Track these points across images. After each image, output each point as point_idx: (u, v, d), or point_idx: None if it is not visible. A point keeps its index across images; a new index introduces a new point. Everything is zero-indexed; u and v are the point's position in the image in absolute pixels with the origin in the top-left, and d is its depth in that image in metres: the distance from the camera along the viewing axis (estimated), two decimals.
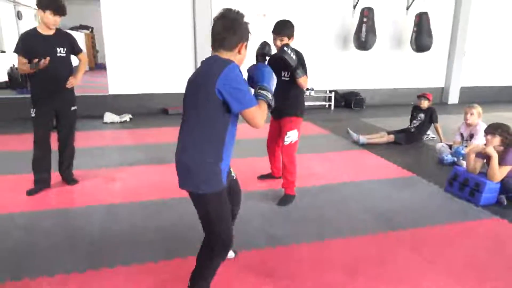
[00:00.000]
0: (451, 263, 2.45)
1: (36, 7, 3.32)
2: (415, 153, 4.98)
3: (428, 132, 5.62)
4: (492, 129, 3.38)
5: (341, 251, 2.58)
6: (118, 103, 7.16)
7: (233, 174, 2.12)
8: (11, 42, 8.64)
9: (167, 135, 5.16)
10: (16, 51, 3.36)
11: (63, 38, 3.51)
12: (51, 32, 3.41)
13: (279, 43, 3.17)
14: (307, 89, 8.13)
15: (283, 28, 3.19)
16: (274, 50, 3.34)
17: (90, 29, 16.87)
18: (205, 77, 1.69)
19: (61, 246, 2.60)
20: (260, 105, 1.76)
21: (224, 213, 1.84)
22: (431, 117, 5.33)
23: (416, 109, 5.52)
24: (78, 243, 2.64)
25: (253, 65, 1.95)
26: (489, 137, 3.38)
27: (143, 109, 7.38)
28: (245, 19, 1.79)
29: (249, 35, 1.82)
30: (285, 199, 3.33)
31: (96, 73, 13.26)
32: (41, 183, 3.53)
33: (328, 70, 8.38)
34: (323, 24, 8.09)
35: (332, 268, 2.37)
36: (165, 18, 7.26)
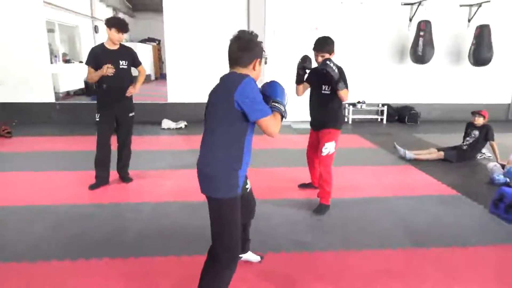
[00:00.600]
0: (480, 285, 2.40)
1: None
2: (465, 172, 4.79)
3: (484, 150, 5.36)
4: None
5: (364, 262, 2.64)
6: (175, 110, 7.68)
7: (248, 186, 2.23)
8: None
9: None
10: (86, 63, 3.85)
11: (126, 52, 3.95)
12: (115, 47, 3.87)
13: (320, 59, 3.31)
14: (358, 102, 8.11)
15: (324, 45, 3.34)
16: (314, 65, 3.50)
17: (157, 42, 18.12)
18: (224, 90, 1.85)
19: (112, 234, 2.94)
20: (274, 115, 1.88)
21: (234, 221, 1.90)
22: (486, 134, 5.09)
23: (470, 126, 5.30)
24: (126, 233, 2.96)
25: (266, 82, 2.02)
26: None
27: (198, 117, 7.74)
28: (259, 39, 1.95)
29: (263, 53, 1.97)
30: (319, 209, 3.43)
31: (160, 83, 14.19)
32: (101, 179, 3.98)
33: (382, 83, 8.27)
34: (377, 37, 8.03)
35: (349, 277, 2.44)
36: (220, 32, 7.65)
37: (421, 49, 7.50)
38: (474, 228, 3.21)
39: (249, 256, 2.58)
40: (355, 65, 8.06)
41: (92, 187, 3.92)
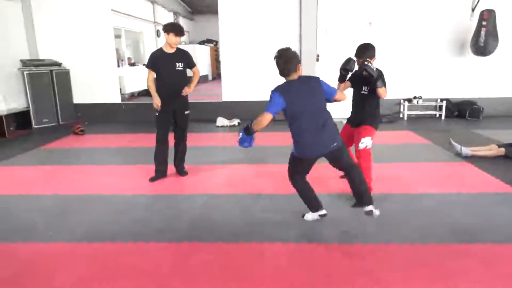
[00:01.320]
0: None
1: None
2: None
3: None
4: None
5: (402, 255, 2.66)
6: (230, 108, 8.01)
7: None
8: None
9: (269, 139, 5.64)
10: (147, 66, 4.24)
11: (181, 55, 4.27)
12: (172, 51, 4.20)
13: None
14: (414, 98, 7.86)
15: (364, 51, 3.62)
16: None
17: (214, 43, 18.78)
18: (314, 86, 2.85)
19: (168, 221, 3.25)
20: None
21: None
22: None
23: None
24: (180, 221, 3.26)
25: None
26: None
27: (251, 115, 7.99)
28: (293, 50, 2.88)
29: (299, 58, 2.94)
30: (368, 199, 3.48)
31: (217, 82, 14.73)
32: (160, 173, 4.35)
33: (441, 77, 7.92)
34: (436, 28, 7.71)
35: (384, 269, 2.49)
36: (273, 33, 7.84)
37: (483, 40, 7.08)
38: None
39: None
40: (411, 59, 7.83)
41: (152, 179, 4.30)
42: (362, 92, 3.65)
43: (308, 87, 2.82)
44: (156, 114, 4.26)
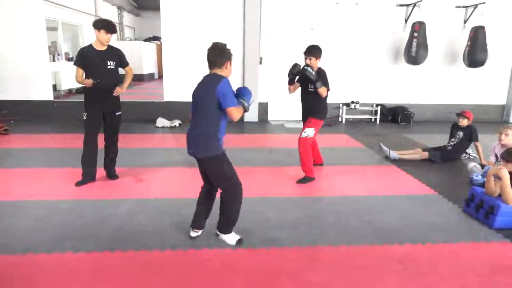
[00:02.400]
0: (438, 282, 2.49)
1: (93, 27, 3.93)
2: (447, 172, 4.86)
3: (469, 151, 5.43)
4: (508, 155, 3.31)
5: (326, 257, 2.74)
6: (171, 109, 7.81)
7: None
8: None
9: None
10: (75, 63, 4.00)
11: (113, 53, 4.08)
12: (103, 48, 4.00)
13: (308, 61, 4.13)
14: (352, 102, 8.17)
15: (311, 50, 4.17)
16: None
17: (161, 40, 18.28)
18: (209, 86, 2.66)
19: (90, 228, 3.08)
20: (237, 107, 2.68)
21: (231, 167, 2.80)
22: (470, 135, 5.15)
23: (455, 127, 5.37)
24: (103, 229, 3.09)
25: (239, 87, 2.92)
26: (503, 162, 3.31)
27: None
28: (228, 47, 2.78)
29: (231, 56, 2.80)
30: (302, 179, 4.25)
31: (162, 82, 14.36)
32: (88, 176, 4.12)
33: (376, 83, 8.33)
34: (372, 37, 8.09)
35: (308, 271, 2.55)
36: (216, 32, 7.76)
37: (414, 50, 7.54)
38: (444, 226, 3.29)
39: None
40: (350, 65, 8.14)
41: (79, 183, 4.06)
42: (309, 89, 4.18)
43: (204, 87, 2.72)
44: (85, 114, 4.04)
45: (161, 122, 7.34)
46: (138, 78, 14.77)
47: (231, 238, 2.87)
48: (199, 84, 2.79)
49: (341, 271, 2.57)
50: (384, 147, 5.38)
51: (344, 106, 8.19)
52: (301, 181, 4.26)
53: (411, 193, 4.05)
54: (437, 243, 2.98)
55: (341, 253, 2.80)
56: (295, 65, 4.14)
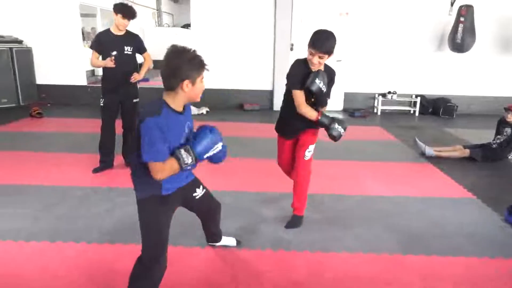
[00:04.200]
0: None
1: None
2: (489, 173, 4.36)
3: None
4: None
5: (341, 266, 2.48)
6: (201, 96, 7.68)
7: (195, 194, 2.15)
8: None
9: (237, 129, 5.35)
10: (91, 46, 3.93)
11: (131, 38, 3.97)
12: (121, 33, 3.89)
13: (316, 59, 2.67)
14: (389, 92, 7.68)
15: (326, 43, 2.66)
16: None
17: None
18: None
19: (96, 217, 3.00)
20: (169, 161, 1.75)
21: (153, 223, 1.92)
22: None
23: (502, 123, 4.82)
24: (109, 219, 3.01)
25: (200, 126, 1.90)
26: None
27: (221, 104, 7.81)
28: (188, 56, 1.74)
29: (198, 71, 1.78)
30: (294, 221, 2.97)
31: None
32: (104, 163, 4.07)
33: (416, 72, 7.74)
34: (413, 22, 7.48)
35: (314, 282, 2.31)
36: (247, 20, 7.52)
37: (460, 36, 6.89)
38: (479, 237, 2.91)
39: (224, 242, 2.62)
40: (387, 52, 7.62)
41: (95, 170, 4.02)
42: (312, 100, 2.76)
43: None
44: (102, 100, 3.98)
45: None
46: None
47: None
48: None
49: (350, 284, 2.31)
50: (420, 142, 4.95)
51: (380, 97, 7.70)
52: (291, 224, 2.95)
53: (446, 196, 3.66)
54: (470, 256, 2.63)
55: (355, 262, 2.53)
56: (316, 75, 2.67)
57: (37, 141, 5.22)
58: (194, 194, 2.15)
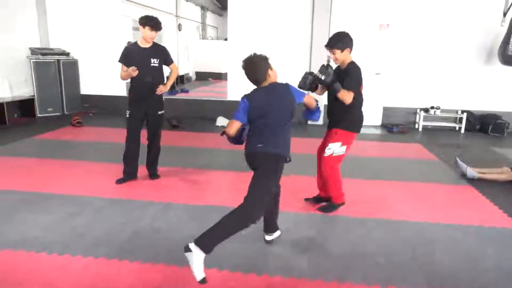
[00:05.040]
0: None
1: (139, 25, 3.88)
2: None
3: None
4: None
5: None
6: (234, 108, 7.66)
7: None
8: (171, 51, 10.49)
9: None
10: (119, 60, 4.00)
11: (157, 50, 4.00)
12: (148, 45, 3.94)
13: (332, 56, 3.20)
14: (432, 108, 7.21)
15: (333, 40, 3.17)
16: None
17: None
18: (282, 97, 2.58)
19: (109, 231, 2.99)
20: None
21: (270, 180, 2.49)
22: None
23: None
24: (121, 233, 2.98)
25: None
26: None
27: None
28: (257, 54, 2.60)
29: (267, 62, 2.59)
30: (327, 207, 3.42)
31: None
32: (128, 174, 4.10)
33: (462, 87, 7.24)
34: (461, 32, 7.02)
35: None
36: (284, 32, 7.44)
37: None
38: None
39: (277, 234, 2.87)
40: (431, 65, 7.20)
41: (119, 181, 4.06)
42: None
43: (277, 99, 2.55)
44: (128, 112, 4.03)
45: (221, 121, 7.24)
46: (217, 77, 15.08)
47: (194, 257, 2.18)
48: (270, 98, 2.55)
49: None
50: (461, 162, 4.54)
51: (422, 112, 7.25)
52: (324, 209, 3.41)
53: (486, 225, 3.28)
54: None
55: None
56: (306, 77, 3.19)
57: (71, 149, 5.42)
58: None
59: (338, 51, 3.10)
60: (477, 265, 2.67)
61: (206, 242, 2.19)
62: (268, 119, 2.51)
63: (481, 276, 2.53)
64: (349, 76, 3.08)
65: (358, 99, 3.15)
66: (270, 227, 2.82)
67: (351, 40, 3.14)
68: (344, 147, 3.23)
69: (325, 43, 3.18)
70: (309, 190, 3.70)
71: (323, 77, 3.02)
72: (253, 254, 2.69)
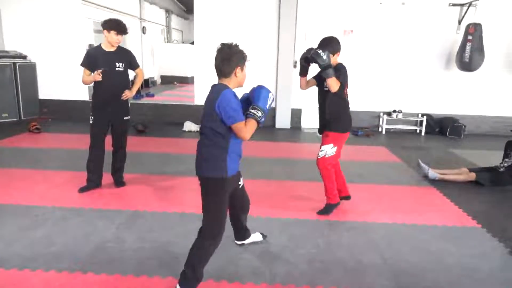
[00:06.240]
0: None
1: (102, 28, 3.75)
2: (496, 200, 4.11)
3: None
4: None
5: None
6: (200, 113, 7.59)
7: (240, 183, 2.50)
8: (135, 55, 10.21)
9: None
10: (82, 64, 3.84)
11: (122, 54, 3.88)
12: (112, 49, 3.81)
13: None
14: (394, 111, 7.47)
15: (323, 44, 3.25)
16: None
17: None
18: (211, 99, 2.15)
19: (72, 243, 2.85)
20: (247, 121, 2.12)
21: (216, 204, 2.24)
22: None
23: (511, 146, 4.58)
24: (85, 244, 2.85)
25: (253, 87, 2.25)
26: None
27: None
28: (239, 48, 2.24)
29: (244, 60, 2.23)
30: (325, 209, 3.52)
31: None
32: (92, 182, 3.94)
33: (423, 91, 7.56)
34: (420, 40, 7.34)
35: None
36: (250, 36, 7.46)
37: (468, 55, 6.70)
38: (482, 272, 2.67)
39: (253, 238, 2.89)
40: (393, 70, 7.47)
41: (82, 189, 3.89)
42: (325, 88, 3.27)
43: (207, 99, 2.21)
44: (91, 118, 3.87)
45: (188, 126, 7.14)
46: (182, 81, 14.88)
47: None
48: (207, 96, 2.23)
49: None
50: (423, 164, 4.72)
51: (385, 115, 7.50)
52: (323, 211, 3.50)
53: (448, 224, 3.41)
54: None
55: None
56: (309, 50, 3.23)
57: (28, 157, 5.14)
58: (239, 182, 2.49)
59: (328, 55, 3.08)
60: (441, 263, 2.76)
61: (188, 277, 2.20)
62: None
63: (446, 273, 2.62)
64: (339, 70, 3.15)
65: (345, 100, 3.31)
66: (241, 234, 2.83)
67: (339, 44, 3.28)
68: (335, 148, 3.36)
69: (291, 47, 3.30)
70: (278, 194, 3.71)
71: (324, 57, 3.00)
72: (224, 262, 2.65)
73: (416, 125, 7.68)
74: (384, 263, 2.73)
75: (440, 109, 7.58)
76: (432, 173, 4.54)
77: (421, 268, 2.69)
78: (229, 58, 2.17)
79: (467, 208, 3.75)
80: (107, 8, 10.69)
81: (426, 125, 7.44)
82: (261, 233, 2.97)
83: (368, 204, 3.83)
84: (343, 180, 3.67)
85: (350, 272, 2.61)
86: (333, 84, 3.09)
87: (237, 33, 7.45)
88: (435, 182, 4.49)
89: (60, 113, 7.80)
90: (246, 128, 2.10)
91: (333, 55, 3.20)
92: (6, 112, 7.38)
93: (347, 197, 3.70)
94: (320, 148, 3.41)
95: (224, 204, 2.26)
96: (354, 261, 2.75)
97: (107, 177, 4.06)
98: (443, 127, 7.41)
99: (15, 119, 7.46)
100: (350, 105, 3.40)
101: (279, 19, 7.33)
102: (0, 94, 7.25)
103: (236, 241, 2.86)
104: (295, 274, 2.55)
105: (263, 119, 2.16)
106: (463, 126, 7.26)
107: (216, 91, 2.15)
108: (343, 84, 3.17)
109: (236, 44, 2.23)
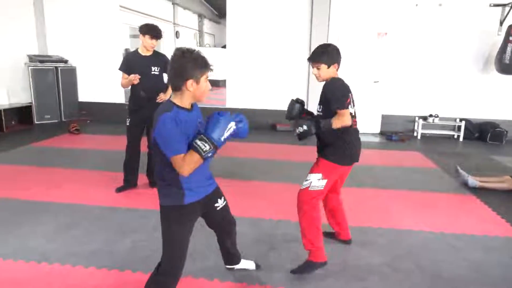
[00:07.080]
0: None
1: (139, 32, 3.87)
2: None
3: None
4: None
5: None
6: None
7: (217, 204, 2.17)
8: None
9: (266, 150, 5.18)
10: (120, 68, 3.98)
11: (158, 58, 3.98)
12: (148, 53, 3.92)
13: (315, 71, 2.52)
14: (430, 116, 7.23)
15: (319, 54, 2.51)
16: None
17: None
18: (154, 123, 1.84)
19: (110, 241, 2.94)
20: (188, 154, 1.77)
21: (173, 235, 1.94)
22: None
23: None
24: (122, 243, 2.94)
25: (212, 113, 1.86)
26: None
27: (254, 123, 7.67)
28: (197, 54, 1.80)
29: (201, 70, 1.82)
30: (302, 267, 2.54)
31: None
32: (128, 182, 4.07)
33: (461, 95, 7.28)
34: (458, 42, 7.08)
35: None
36: (282, 39, 7.48)
37: (509, 56, 6.40)
38: None
39: (243, 265, 2.54)
40: (429, 74, 7.25)
41: (119, 189, 4.02)
42: (318, 112, 2.59)
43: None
44: (128, 120, 4.00)
45: None
46: (214, 84, 15.08)
47: None
48: None
49: None
50: (462, 171, 4.54)
51: (421, 120, 7.28)
52: (298, 270, 2.54)
53: (489, 234, 3.26)
54: None
55: None
56: (292, 106, 2.69)
57: (68, 157, 5.36)
58: (216, 205, 2.15)
59: (323, 66, 2.45)
60: (483, 275, 2.64)
61: None
62: None
63: (487, 286, 2.51)
64: (330, 92, 2.44)
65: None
66: (228, 259, 2.49)
67: (339, 54, 2.52)
68: (325, 181, 2.48)
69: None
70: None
71: (306, 128, 2.42)
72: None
73: (453, 130, 7.41)
74: (422, 272, 2.64)
75: (479, 114, 7.27)
76: (472, 180, 4.36)
77: (461, 278, 2.59)
78: (178, 68, 1.78)
79: (510, 219, 3.57)
80: (142, 13, 11.00)
81: (464, 130, 7.16)
82: (255, 262, 2.58)
83: (403, 210, 3.72)
84: (343, 218, 2.91)
85: (385, 280, 2.54)
86: (342, 123, 2.38)
87: (269, 36, 7.49)
88: (475, 190, 4.31)
89: (98, 115, 8.10)
90: (183, 163, 1.74)
91: (329, 67, 2.46)
92: (48, 114, 7.75)
93: (348, 241, 2.97)
94: (306, 176, 2.56)
95: (185, 236, 1.96)
96: (389, 268, 2.68)
97: (142, 178, 4.16)
98: (482, 133, 7.10)
99: (56, 121, 7.81)
100: (358, 130, 2.63)
101: (311, 21, 7.30)
102: (43, 96, 7.63)
103: (226, 265, 2.53)
104: (328, 280, 2.51)
105: (210, 154, 1.77)
106: (505, 132, 6.93)
107: (156, 113, 1.80)
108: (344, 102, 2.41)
109: (193, 50, 1.80)
